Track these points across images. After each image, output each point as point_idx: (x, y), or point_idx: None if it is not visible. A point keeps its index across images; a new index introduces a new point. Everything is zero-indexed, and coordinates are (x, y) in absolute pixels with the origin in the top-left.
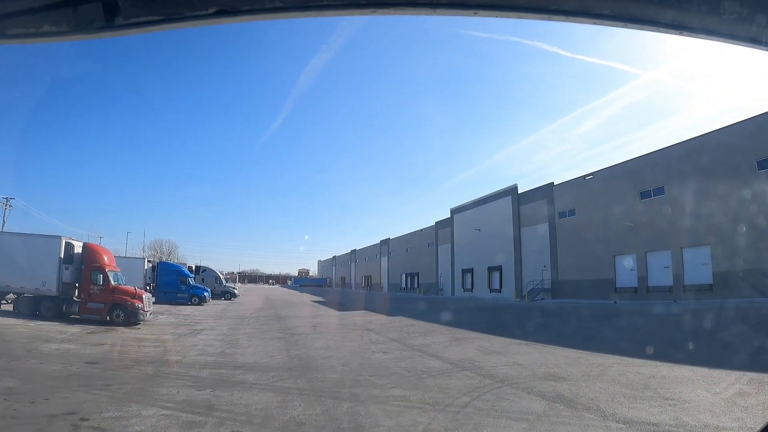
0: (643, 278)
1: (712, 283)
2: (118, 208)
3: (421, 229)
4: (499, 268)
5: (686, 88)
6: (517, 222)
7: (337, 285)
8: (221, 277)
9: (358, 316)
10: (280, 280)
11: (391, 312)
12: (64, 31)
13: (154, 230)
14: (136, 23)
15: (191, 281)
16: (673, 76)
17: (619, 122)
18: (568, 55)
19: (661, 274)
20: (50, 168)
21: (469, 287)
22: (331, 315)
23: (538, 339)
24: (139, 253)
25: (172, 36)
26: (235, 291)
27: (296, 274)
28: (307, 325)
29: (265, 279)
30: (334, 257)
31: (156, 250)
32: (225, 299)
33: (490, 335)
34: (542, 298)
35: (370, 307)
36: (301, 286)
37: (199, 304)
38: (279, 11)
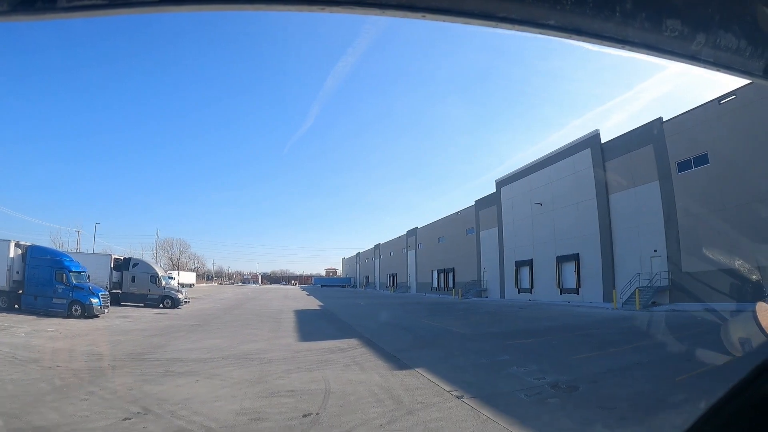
0: None
1: None
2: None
3: (457, 212)
4: (575, 258)
5: (713, 78)
6: (603, 186)
7: (361, 285)
8: (159, 274)
9: (317, 369)
10: (304, 280)
11: (402, 351)
12: (5, 11)
13: (176, 232)
14: (79, 6)
15: (74, 278)
16: (699, 67)
17: (647, 115)
18: (594, 48)
19: None
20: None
21: (527, 286)
22: (268, 360)
23: None
24: (150, 254)
25: (202, 41)
26: (180, 296)
27: (324, 274)
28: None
29: (288, 280)
30: (358, 254)
31: (167, 249)
32: (164, 306)
33: None
34: (653, 303)
35: (370, 331)
36: (321, 286)
37: (83, 315)
38: (225, 3)
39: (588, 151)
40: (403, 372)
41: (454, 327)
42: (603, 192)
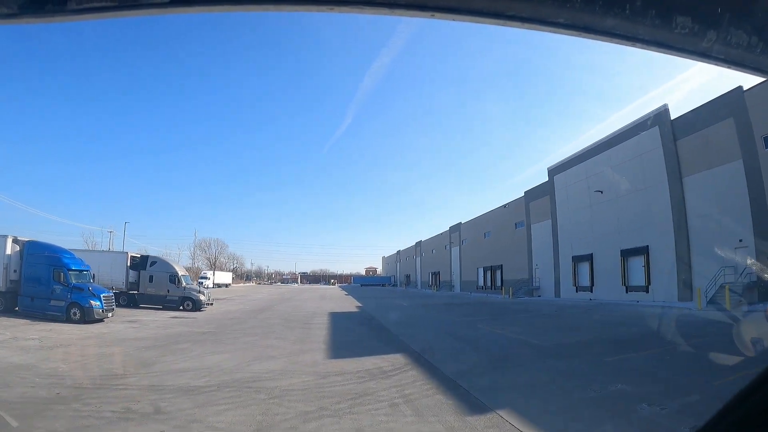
0: None
1: None
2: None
3: (504, 205)
4: (644, 251)
5: None
6: (675, 167)
7: (402, 284)
8: (179, 274)
9: (349, 412)
10: (343, 279)
11: (468, 376)
12: (15, 13)
13: (215, 232)
14: (89, 8)
15: (74, 278)
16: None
17: (689, 106)
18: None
19: None
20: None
21: (587, 284)
22: (281, 392)
23: None
24: (188, 255)
25: (238, 47)
26: (202, 297)
27: (364, 273)
28: None
29: (327, 279)
30: (398, 252)
31: (204, 250)
32: (184, 308)
33: None
34: (740, 301)
35: (419, 342)
36: (361, 286)
37: (82, 320)
38: (233, 3)
39: (656, 129)
40: (481, 419)
41: (522, 336)
42: (675, 175)
